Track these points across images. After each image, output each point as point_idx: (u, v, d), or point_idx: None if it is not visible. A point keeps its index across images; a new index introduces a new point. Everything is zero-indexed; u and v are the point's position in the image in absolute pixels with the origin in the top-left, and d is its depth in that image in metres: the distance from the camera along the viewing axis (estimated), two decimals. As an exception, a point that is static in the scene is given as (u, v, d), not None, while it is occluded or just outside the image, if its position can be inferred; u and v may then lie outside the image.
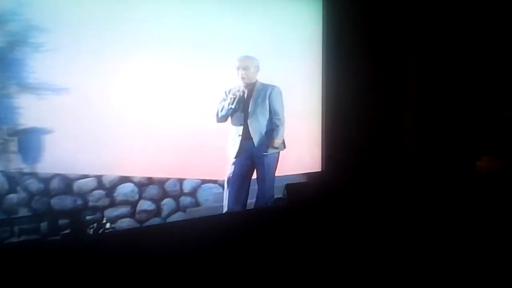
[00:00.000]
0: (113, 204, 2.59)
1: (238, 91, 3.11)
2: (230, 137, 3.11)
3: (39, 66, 2.35)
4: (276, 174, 3.17)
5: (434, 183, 2.25)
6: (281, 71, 3.20)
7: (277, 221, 2.56)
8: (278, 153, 3.20)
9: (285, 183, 3.18)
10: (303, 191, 3.19)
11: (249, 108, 3.17)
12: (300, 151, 3.12)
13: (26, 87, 2.34)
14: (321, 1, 3.23)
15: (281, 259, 2.21)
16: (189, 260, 2.19)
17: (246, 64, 3.12)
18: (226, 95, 3.08)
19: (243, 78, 3.11)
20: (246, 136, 3.15)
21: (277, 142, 3.20)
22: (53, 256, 2.01)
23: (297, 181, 3.26)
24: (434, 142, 2.38)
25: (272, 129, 3.21)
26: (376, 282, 1.91)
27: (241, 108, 3.12)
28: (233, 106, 3.08)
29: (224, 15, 3.00)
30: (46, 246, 2.32)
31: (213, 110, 3.03)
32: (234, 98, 3.08)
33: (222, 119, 3.07)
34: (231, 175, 3.04)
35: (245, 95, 3.15)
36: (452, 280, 1.77)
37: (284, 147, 3.20)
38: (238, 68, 3.09)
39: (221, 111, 3.07)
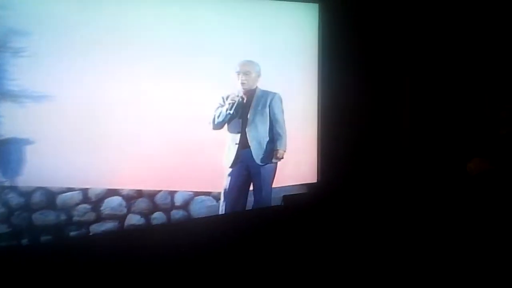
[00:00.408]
0: (99, 218, 2.45)
1: (237, 96, 2.92)
2: (226, 146, 2.94)
3: (20, 72, 2.17)
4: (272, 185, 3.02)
5: (428, 187, 2.28)
6: (276, 78, 3.01)
7: (276, 223, 2.58)
8: (276, 164, 3.03)
9: (282, 194, 3.06)
10: (300, 202, 3.07)
11: (248, 115, 2.99)
12: (296, 161, 2.97)
13: (6, 95, 2.16)
14: (317, 8, 3.03)
15: (279, 261, 2.26)
16: (184, 262, 2.24)
17: (247, 68, 2.92)
18: (224, 101, 2.90)
19: (243, 84, 2.92)
20: (243, 145, 2.98)
21: (281, 152, 3.03)
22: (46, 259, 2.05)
23: (294, 192, 3.11)
24: (428, 147, 2.37)
25: (274, 138, 3.04)
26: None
27: (239, 115, 2.94)
28: (231, 112, 2.89)
29: (219, 20, 2.81)
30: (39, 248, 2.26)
31: (209, 117, 2.85)
32: (233, 104, 2.90)
33: (218, 126, 2.90)
34: (227, 186, 2.89)
35: (244, 102, 2.97)
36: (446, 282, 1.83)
37: (282, 158, 3.03)
38: (239, 73, 2.91)
39: (218, 117, 2.89)
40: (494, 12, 2.01)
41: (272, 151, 3.02)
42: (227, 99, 2.89)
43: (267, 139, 3.04)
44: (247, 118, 2.99)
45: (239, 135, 2.97)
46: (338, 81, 2.83)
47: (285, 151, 3.04)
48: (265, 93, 3.01)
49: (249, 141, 3.00)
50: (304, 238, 2.38)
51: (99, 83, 2.40)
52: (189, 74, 2.72)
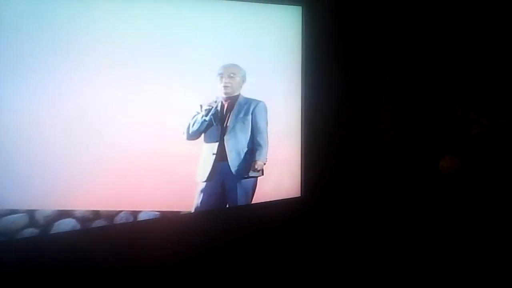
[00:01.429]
0: (48, 244, 2.15)
1: (216, 102, 2.56)
2: (202, 157, 2.61)
3: None
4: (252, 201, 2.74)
5: (405, 187, 2.31)
6: (258, 85, 2.67)
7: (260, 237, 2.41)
8: (255, 179, 2.74)
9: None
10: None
11: (228, 123, 2.65)
12: (278, 175, 2.68)
13: None
14: (301, 11, 2.66)
15: (265, 275, 2.16)
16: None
17: (232, 71, 2.56)
18: (201, 109, 2.54)
19: (226, 87, 2.56)
20: (221, 156, 2.66)
21: (259, 164, 2.73)
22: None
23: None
24: (406, 149, 2.35)
25: (253, 149, 2.74)
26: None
27: (218, 122, 2.60)
28: (207, 118, 2.54)
29: (195, 23, 2.42)
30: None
31: (181, 127, 2.49)
32: (209, 110, 2.54)
33: (193, 135, 2.54)
34: (198, 205, 2.59)
35: (225, 108, 2.61)
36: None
37: (262, 174, 2.74)
38: (222, 75, 2.55)
39: (193, 125, 2.53)
40: (471, 12, 2.00)
41: (251, 163, 2.72)
42: (202, 106, 2.53)
43: (246, 149, 2.73)
44: (227, 126, 2.65)
45: (216, 144, 2.64)
46: (322, 87, 2.59)
47: (264, 163, 2.75)
48: (248, 101, 2.66)
49: (227, 151, 2.67)
50: (290, 251, 2.27)
51: (44, 90, 2.00)
52: (160, 80, 2.34)
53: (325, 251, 2.28)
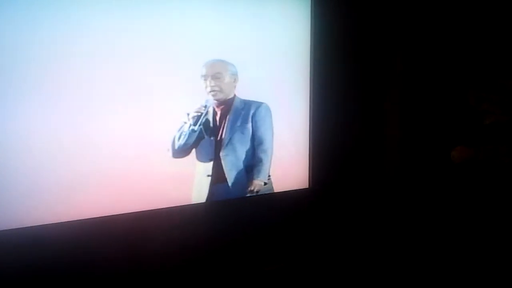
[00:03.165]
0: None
1: (205, 107, 2.07)
2: (196, 180, 2.09)
3: None
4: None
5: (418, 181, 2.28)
6: (262, 81, 2.21)
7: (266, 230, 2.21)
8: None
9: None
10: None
11: (223, 135, 2.15)
12: (286, 167, 2.30)
13: None
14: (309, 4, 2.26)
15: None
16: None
17: (218, 70, 2.06)
18: (188, 117, 2.06)
19: (213, 92, 2.06)
20: (218, 177, 2.14)
21: (257, 183, 2.22)
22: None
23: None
24: (417, 141, 2.30)
25: (253, 164, 2.22)
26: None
27: (210, 134, 2.10)
28: (196, 128, 2.04)
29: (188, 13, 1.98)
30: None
31: (165, 141, 2.00)
32: (198, 117, 2.05)
33: (180, 151, 2.03)
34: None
35: (218, 116, 2.12)
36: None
37: (258, 191, 2.23)
38: (206, 78, 2.04)
39: (179, 138, 2.03)
40: (481, 5, 2.03)
41: (250, 182, 2.22)
42: (189, 115, 2.04)
43: (251, 166, 2.22)
44: (222, 139, 2.15)
45: (211, 163, 2.13)
46: (330, 77, 2.32)
47: (265, 183, 2.23)
48: (247, 104, 2.17)
49: (225, 171, 2.16)
50: (296, 243, 2.15)
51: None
52: (138, 85, 1.87)
53: (333, 243, 2.20)
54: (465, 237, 1.97)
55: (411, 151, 2.33)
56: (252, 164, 2.21)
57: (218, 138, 2.13)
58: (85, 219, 1.76)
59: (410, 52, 2.32)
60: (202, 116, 2.05)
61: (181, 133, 2.03)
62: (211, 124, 2.10)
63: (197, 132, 2.06)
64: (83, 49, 1.72)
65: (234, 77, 2.09)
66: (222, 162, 2.16)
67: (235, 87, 2.11)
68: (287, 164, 2.28)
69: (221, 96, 2.08)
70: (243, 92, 2.14)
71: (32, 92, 1.63)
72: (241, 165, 2.20)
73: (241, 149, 2.20)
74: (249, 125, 2.19)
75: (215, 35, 2.04)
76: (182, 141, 2.03)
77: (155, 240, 1.91)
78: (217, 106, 2.10)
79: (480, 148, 1.90)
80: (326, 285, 1.95)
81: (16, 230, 1.61)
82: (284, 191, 2.23)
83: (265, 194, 2.21)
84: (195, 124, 2.03)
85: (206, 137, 2.10)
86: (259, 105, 2.19)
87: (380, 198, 2.43)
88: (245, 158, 2.20)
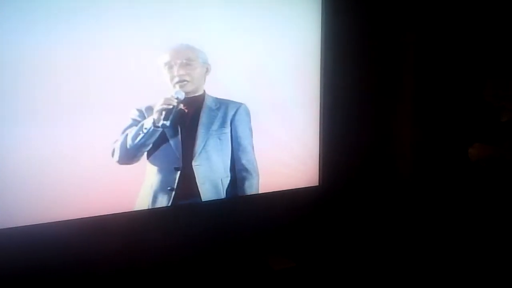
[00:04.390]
0: None
1: (177, 99, 1.65)
2: (143, 192, 1.62)
3: None
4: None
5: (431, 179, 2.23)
6: (271, 74, 1.91)
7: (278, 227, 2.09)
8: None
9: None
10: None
11: (195, 140, 1.71)
12: (296, 164, 2.09)
13: None
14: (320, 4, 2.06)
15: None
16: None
17: (187, 55, 1.67)
18: (143, 114, 1.63)
19: (181, 82, 1.67)
20: (185, 192, 1.67)
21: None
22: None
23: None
24: (432, 139, 2.24)
25: (238, 177, 1.76)
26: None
27: (179, 136, 1.67)
28: (167, 123, 1.62)
29: None
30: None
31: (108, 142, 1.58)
32: (169, 111, 1.63)
33: (131, 154, 1.60)
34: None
35: (188, 117, 1.71)
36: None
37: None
38: (170, 65, 1.65)
39: (135, 138, 1.60)
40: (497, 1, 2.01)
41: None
42: (146, 110, 1.62)
43: (228, 179, 1.76)
44: (194, 145, 1.71)
45: (177, 174, 1.67)
46: (341, 73, 2.17)
47: None
48: (223, 104, 1.77)
49: (198, 184, 1.69)
50: (305, 241, 2.12)
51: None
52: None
53: (343, 242, 2.18)
54: (481, 236, 1.93)
55: (424, 149, 2.27)
56: (235, 178, 1.77)
57: (188, 143, 1.70)
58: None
59: (424, 48, 2.25)
60: (174, 110, 1.63)
61: (137, 131, 1.60)
62: (179, 125, 1.68)
63: (159, 132, 1.63)
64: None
65: (205, 65, 1.71)
66: (195, 172, 1.70)
67: (205, 80, 1.73)
68: (298, 161, 2.07)
69: (191, 88, 1.69)
70: (247, 92, 1.82)
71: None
72: (216, 178, 1.74)
73: (217, 159, 1.76)
74: (228, 129, 1.78)
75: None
76: (138, 141, 1.60)
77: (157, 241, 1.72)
78: (184, 104, 1.70)
79: (498, 146, 1.86)
80: (334, 283, 1.88)
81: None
82: (295, 189, 2.08)
83: (275, 191, 1.96)
84: (166, 119, 1.61)
85: (171, 140, 1.66)
86: (238, 106, 1.81)
87: (392, 197, 2.38)
88: (222, 169, 1.75)
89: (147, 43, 1.60)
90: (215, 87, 1.74)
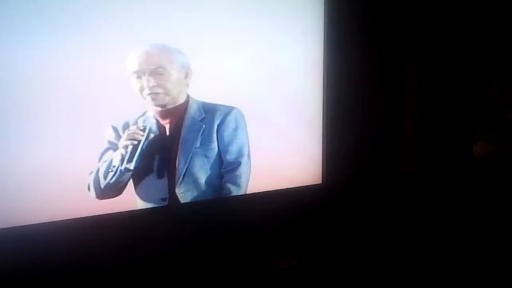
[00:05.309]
0: None
1: (144, 129, 1.32)
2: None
3: None
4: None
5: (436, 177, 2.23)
6: (275, 67, 1.72)
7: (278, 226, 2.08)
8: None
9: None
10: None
11: (177, 162, 1.40)
12: (299, 162, 2.04)
13: None
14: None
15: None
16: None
17: (159, 62, 1.32)
18: (119, 134, 1.29)
19: (153, 95, 1.32)
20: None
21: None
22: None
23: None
24: (437, 136, 2.24)
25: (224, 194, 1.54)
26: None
27: (158, 166, 1.36)
28: (131, 166, 1.32)
29: None
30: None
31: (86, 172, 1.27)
32: (134, 148, 1.32)
33: (109, 190, 1.29)
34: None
35: (166, 135, 1.38)
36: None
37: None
38: (139, 74, 1.30)
39: (106, 176, 1.28)
40: None
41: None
42: (124, 128, 1.29)
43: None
44: (175, 167, 1.41)
45: (164, 204, 1.39)
46: (345, 68, 2.10)
47: None
48: (209, 110, 1.44)
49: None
50: (309, 239, 2.14)
51: None
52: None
53: (347, 240, 2.19)
54: (485, 234, 1.96)
55: (429, 146, 2.26)
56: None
57: (170, 167, 1.39)
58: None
59: (428, 45, 2.22)
60: (139, 146, 1.30)
61: (108, 168, 1.27)
62: (156, 153, 1.35)
63: (140, 161, 1.31)
64: None
65: (185, 70, 1.35)
66: (180, 199, 1.43)
67: (188, 85, 1.37)
68: (301, 159, 2.00)
69: (166, 100, 1.34)
70: (247, 91, 1.57)
71: None
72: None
73: (206, 179, 1.47)
74: (215, 144, 1.46)
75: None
76: (110, 179, 1.28)
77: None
78: (163, 118, 1.36)
79: (503, 143, 1.87)
80: (338, 282, 1.90)
81: None
82: (298, 187, 2.05)
83: (279, 190, 1.89)
84: (129, 161, 1.28)
85: (153, 167, 1.35)
86: (227, 112, 1.48)
87: (396, 194, 2.38)
88: (213, 190, 1.49)
89: (116, 43, 1.25)
90: (205, 90, 1.42)
